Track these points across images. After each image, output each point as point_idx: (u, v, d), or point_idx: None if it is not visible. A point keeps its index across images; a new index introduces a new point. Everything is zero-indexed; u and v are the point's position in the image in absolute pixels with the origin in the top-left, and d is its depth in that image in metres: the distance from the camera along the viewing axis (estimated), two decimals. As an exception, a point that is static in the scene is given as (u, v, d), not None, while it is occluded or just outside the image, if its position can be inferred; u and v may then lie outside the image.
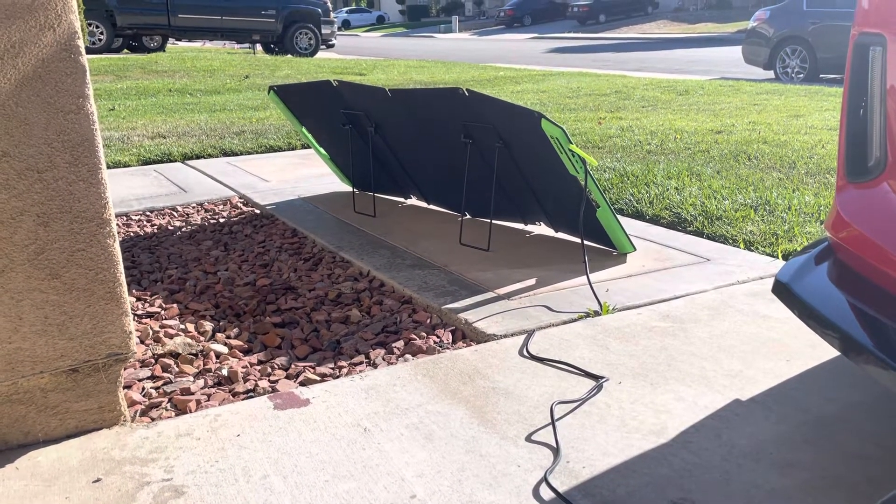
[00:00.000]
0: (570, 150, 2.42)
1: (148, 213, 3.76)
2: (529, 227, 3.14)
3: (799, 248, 2.73)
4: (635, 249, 2.75)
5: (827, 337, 1.35)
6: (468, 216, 3.29)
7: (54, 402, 1.55)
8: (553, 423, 1.59)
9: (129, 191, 4.17)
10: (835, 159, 4.17)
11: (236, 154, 5.26)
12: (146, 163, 5.00)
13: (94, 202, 1.48)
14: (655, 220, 3.24)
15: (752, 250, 2.80)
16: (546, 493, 1.36)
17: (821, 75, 10.20)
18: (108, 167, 4.79)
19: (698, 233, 3.04)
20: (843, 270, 1.50)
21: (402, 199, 3.72)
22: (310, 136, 3.82)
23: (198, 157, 5.16)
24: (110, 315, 1.55)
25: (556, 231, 3.02)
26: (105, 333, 1.55)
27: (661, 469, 1.44)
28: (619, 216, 3.31)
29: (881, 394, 1.70)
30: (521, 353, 1.95)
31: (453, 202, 3.33)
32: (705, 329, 2.09)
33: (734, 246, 2.85)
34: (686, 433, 1.56)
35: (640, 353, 1.94)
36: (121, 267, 1.55)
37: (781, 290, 1.54)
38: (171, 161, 5.07)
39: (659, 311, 2.23)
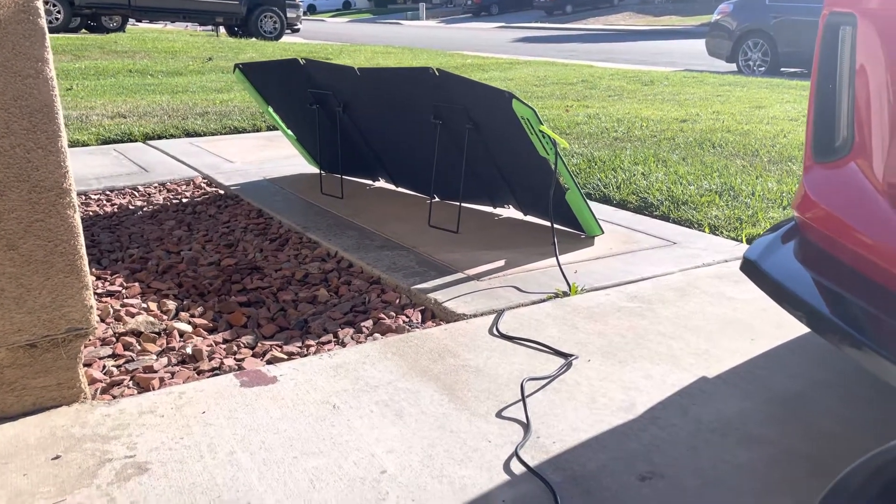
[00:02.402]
0: (541, 132, 2.42)
1: (108, 193, 3.66)
2: (499, 211, 3.13)
3: (762, 233, 2.77)
4: (603, 232, 2.76)
5: (794, 313, 1.37)
6: (437, 199, 3.27)
7: (11, 378, 1.50)
8: (523, 399, 1.59)
9: (88, 169, 4.06)
10: (796, 149, 4.25)
11: (199, 135, 5.16)
12: (106, 142, 4.88)
13: (54, 171, 1.43)
14: (622, 205, 3.26)
15: (717, 234, 2.83)
16: (517, 468, 1.36)
17: (782, 69, 10.37)
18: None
19: (664, 217, 3.07)
20: (810, 249, 1.52)
21: (370, 182, 3.69)
22: (276, 116, 3.75)
23: (159, 138, 5.04)
24: (70, 288, 1.50)
25: (525, 214, 3.02)
26: (64, 307, 1.51)
27: (629, 444, 1.45)
28: (588, 200, 3.33)
29: (843, 372, 1.73)
30: (491, 332, 1.95)
31: (422, 185, 3.31)
32: (672, 309, 2.11)
33: (699, 230, 2.89)
34: (654, 409, 1.58)
35: (609, 332, 1.95)
36: (81, 239, 1.50)
37: (750, 267, 1.55)
38: (131, 141, 4.95)
39: (627, 292, 2.24)
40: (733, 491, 1.31)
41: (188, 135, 5.14)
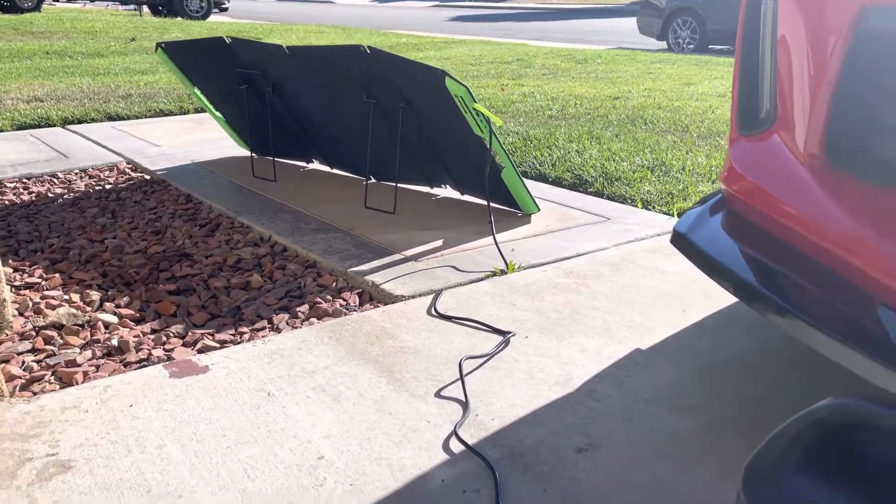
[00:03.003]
0: (475, 110, 2.40)
1: (25, 181, 3.49)
2: (436, 191, 3.11)
3: (691, 206, 2.83)
4: (539, 210, 2.77)
5: (722, 283, 1.39)
6: (373, 180, 3.23)
7: (-81, 379, 1.41)
8: (462, 377, 1.58)
9: (2, 156, 3.86)
10: (724, 124, 4.35)
11: (123, 118, 4.96)
12: (21, 127, 4.64)
13: (-43, 157, 1.34)
14: (558, 182, 3.28)
15: (650, 209, 2.88)
16: (456, 446, 1.36)
17: (710, 46, 10.61)
18: (-21, 132, 4.42)
19: (599, 193, 3.10)
20: (737, 220, 1.56)
21: (303, 164, 3.61)
22: (203, 97, 3.63)
23: (80, 122, 4.83)
24: (-19, 281, 1.41)
25: (462, 194, 3.01)
26: (-24, 301, 1.42)
27: (566, 418, 1.46)
28: (524, 178, 3.34)
29: (768, 339, 1.79)
30: (429, 313, 1.93)
31: (357, 166, 3.26)
32: (607, 284, 2.13)
33: (633, 206, 2.93)
34: (590, 382, 1.59)
35: (546, 308, 1.96)
36: (-9, 228, 1.41)
37: (679, 240, 1.58)
38: (49, 126, 4.73)
39: (563, 268, 2.26)
40: (666, 459, 1.33)
41: (111, 118, 4.94)
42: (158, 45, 3.40)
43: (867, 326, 1.11)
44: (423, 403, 1.50)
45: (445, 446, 1.36)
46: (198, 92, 3.61)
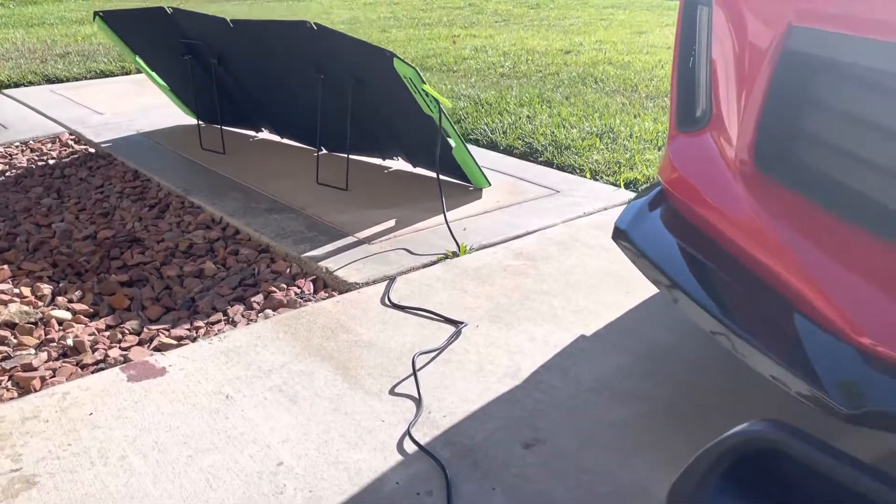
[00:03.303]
0: (424, 91, 2.40)
1: (-37, 156, 3.38)
2: (388, 163, 3.12)
3: (639, 178, 2.91)
4: (490, 184, 2.82)
5: (657, 285, 1.47)
6: (324, 151, 3.22)
7: None
8: (415, 373, 1.65)
9: (-63, 128, 3.72)
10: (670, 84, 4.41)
11: (62, 81, 4.80)
12: (-45, 93, 4.46)
13: None
14: (509, 151, 3.32)
15: (598, 180, 2.94)
16: (410, 447, 1.43)
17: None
18: None
19: (549, 163, 3.15)
20: (673, 217, 1.62)
21: (253, 133, 3.57)
22: (145, 66, 3.53)
23: (16, 86, 4.66)
24: (-70, 300, 1.41)
25: (415, 167, 3.02)
26: (-74, 320, 1.42)
27: (514, 411, 1.54)
28: (475, 147, 3.37)
29: (707, 321, 1.88)
30: (382, 302, 1.98)
31: (308, 137, 3.24)
32: (554, 265, 2.20)
33: (581, 176, 2.99)
34: (537, 373, 1.67)
35: (496, 294, 2.03)
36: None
37: (620, 235, 1.64)
38: (-16, 90, 4.55)
39: (513, 248, 2.32)
40: (608, 449, 1.42)
41: (49, 81, 4.77)
42: (96, 13, 3.28)
43: (782, 333, 1.19)
44: (377, 401, 1.57)
45: (399, 447, 1.43)
46: (139, 60, 3.51)
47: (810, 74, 1.28)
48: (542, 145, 3.28)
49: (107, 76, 4.93)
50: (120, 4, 7.30)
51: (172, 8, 3.01)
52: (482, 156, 3.22)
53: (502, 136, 3.44)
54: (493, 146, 3.39)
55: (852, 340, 1.09)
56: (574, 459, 1.40)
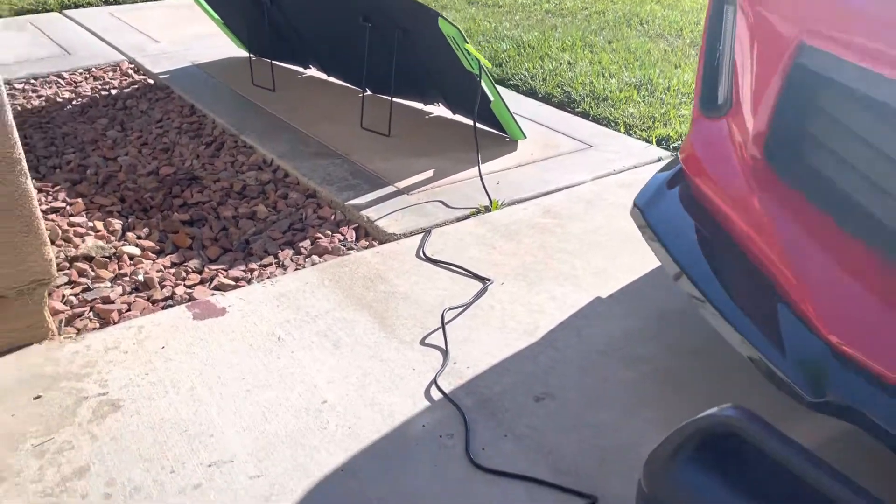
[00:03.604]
0: (466, 50, 2.51)
1: (32, 82, 3.59)
2: (429, 108, 3.25)
3: (672, 134, 3.00)
4: (525, 137, 2.94)
5: (666, 267, 1.62)
6: (369, 92, 3.35)
7: (-16, 326, 1.67)
8: (444, 327, 1.85)
9: (7, 51, 3.93)
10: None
11: (119, 2, 4.93)
12: (20, 13, 4.64)
13: (3, 143, 1.52)
14: (547, 99, 3.41)
15: (631, 135, 3.04)
16: (436, 394, 1.64)
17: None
18: (-23, 18, 4.43)
19: (585, 114, 3.24)
20: (688, 197, 1.76)
21: (301, 70, 3.71)
22: (203, 2, 3.66)
23: (76, 6, 4.81)
24: (29, 246, 1.64)
25: (454, 113, 3.15)
26: (26, 262, 1.65)
27: (529, 367, 1.74)
28: (514, 94, 3.46)
29: (715, 289, 2.04)
30: (418, 255, 2.17)
31: (354, 77, 3.37)
32: (580, 225, 2.35)
33: (616, 130, 3.09)
34: (553, 332, 1.86)
35: (522, 251, 2.20)
36: (35, 202, 1.62)
37: (636, 213, 1.78)
38: (47, 10, 4.72)
39: (542, 205, 2.47)
40: (611, 407, 1.62)
41: (107, 3, 4.91)
42: (155, -52, 3.39)
43: (764, 321, 1.36)
44: (410, 350, 1.78)
45: (427, 393, 1.64)
46: (196, -6, 3.63)
47: (815, 88, 1.39)
48: (579, 95, 3.36)
49: (161, -2, 5.06)
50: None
51: (228, -52, 3.11)
52: (520, 104, 3.32)
53: (542, 83, 3.52)
54: (532, 93, 3.48)
55: (823, 337, 1.25)
56: (579, 414, 1.60)
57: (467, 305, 1.94)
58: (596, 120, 3.19)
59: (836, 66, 1.27)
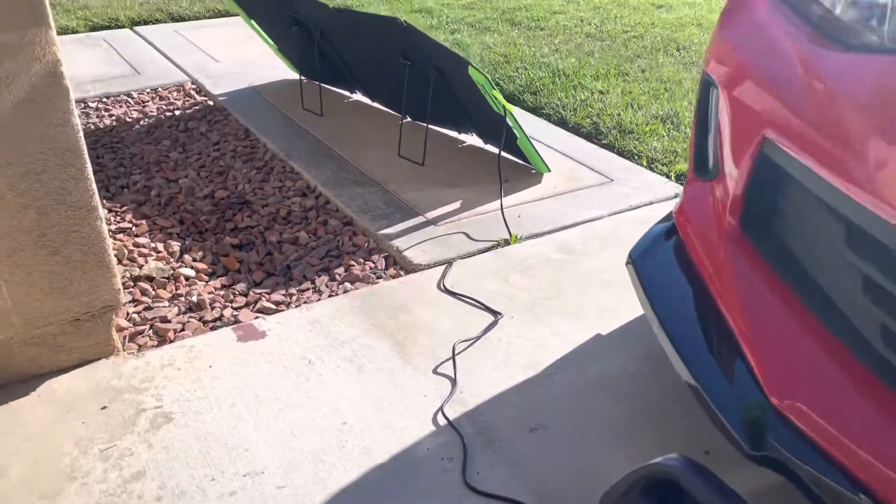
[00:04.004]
0: (493, 96, 2.73)
1: (104, 100, 3.94)
2: (463, 137, 3.47)
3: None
4: (550, 170, 3.14)
5: (652, 321, 1.81)
6: (408, 119, 3.59)
7: (62, 343, 1.97)
8: (454, 358, 2.08)
9: (83, 68, 4.29)
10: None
11: (184, 19, 5.28)
12: (94, 28, 5.02)
13: (83, 194, 1.81)
14: (576, 130, 3.59)
15: (653, 169, 3.21)
16: (441, 420, 1.87)
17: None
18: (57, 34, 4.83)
19: (611, 146, 3.42)
20: (677, 252, 1.95)
21: (348, 94, 3.97)
22: (260, 30, 3.95)
23: (145, 23, 5.17)
24: (101, 278, 1.93)
25: (485, 143, 3.36)
26: (98, 291, 1.94)
27: (529, 399, 1.95)
28: (545, 122, 3.66)
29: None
30: (438, 287, 2.40)
31: (394, 104, 3.61)
32: (592, 261, 2.55)
33: (638, 163, 3.26)
34: (553, 366, 2.07)
35: (534, 286, 2.41)
36: (107, 241, 1.91)
37: (630, 265, 1.98)
38: (119, 26, 5.09)
39: (558, 240, 2.67)
40: (596, 439, 1.83)
41: (173, 19, 5.26)
42: (218, -17, 3.69)
43: (722, 379, 1.54)
44: (423, 378, 2.02)
45: (434, 419, 1.88)
46: (253, 23, 3.93)
47: (777, 176, 1.56)
48: (607, 127, 3.54)
49: (222, 15, 5.38)
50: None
51: (284, -13, 3.38)
52: (550, 134, 3.51)
53: (572, 112, 3.71)
54: (562, 123, 3.67)
55: (767, 397, 1.43)
56: (568, 444, 1.81)
57: (477, 338, 2.17)
58: (620, 153, 3.36)
59: (792, 163, 1.45)
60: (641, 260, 1.97)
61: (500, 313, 2.28)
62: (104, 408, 1.90)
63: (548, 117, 3.74)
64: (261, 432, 1.83)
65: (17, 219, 1.76)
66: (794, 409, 1.39)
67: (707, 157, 1.92)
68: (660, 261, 1.96)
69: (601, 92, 3.93)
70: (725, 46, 1.75)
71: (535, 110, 3.83)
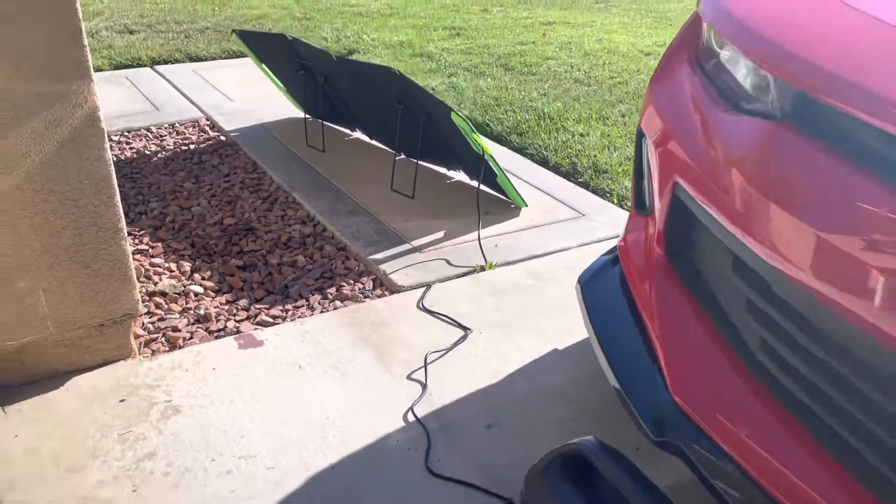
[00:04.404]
0: (473, 139, 3.07)
1: (126, 134, 4.31)
2: (451, 173, 3.80)
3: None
4: (527, 205, 3.46)
5: (590, 335, 2.11)
6: (402, 156, 3.94)
7: (88, 345, 2.29)
8: (426, 366, 2.38)
9: (107, 105, 4.67)
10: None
11: (201, 59, 5.69)
12: (118, 67, 5.43)
13: (112, 217, 2.14)
14: (556, 169, 3.92)
15: (623, 206, 3.53)
16: (411, 417, 2.17)
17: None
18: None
19: (586, 185, 3.74)
20: (618, 280, 2.25)
21: (348, 132, 4.33)
22: (269, 72, 4.33)
23: (165, 62, 5.58)
24: (123, 290, 2.25)
25: (471, 179, 3.70)
26: (120, 301, 2.27)
27: (488, 401, 2.25)
28: (528, 161, 4.00)
29: (654, 349, 2.51)
30: (418, 306, 2.71)
31: (390, 142, 3.96)
32: (558, 288, 2.86)
33: (609, 200, 3.58)
34: (513, 375, 2.37)
35: (504, 307, 2.72)
36: (130, 259, 2.24)
37: (579, 289, 2.28)
38: (140, 65, 5.50)
39: (529, 268, 2.98)
40: (542, 436, 2.11)
41: (191, 59, 5.67)
42: (234, 31, 4.08)
43: (642, 383, 1.84)
44: (398, 383, 2.32)
45: (405, 417, 2.17)
46: (265, 67, 4.31)
47: (687, 217, 1.87)
48: (584, 167, 3.87)
49: (237, 56, 5.79)
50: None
51: (293, 36, 3.75)
52: (532, 172, 3.85)
53: (553, 153, 4.04)
54: (543, 162, 4.00)
55: (671, 395, 1.73)
56: (517, 440, 2.10)
57: (448, 350, 2.47)
58: (594, 190, 3.68)
59: (693, 203, 1.76)
60: (587, 283, 2.28)
61: (470, 329, 2.58)
62: (122, 401, 2.21)
63: (531, 157, 4.07)
64: (255, 423, 2.13)
65: (57, 237, 2.09)
66: (690, 404, 1.69)
67: (644, 196, 2.24)
68: (602, 284, 2.27)
69: (581, 134, 4.27)
70: (652, 105, 2.08)
71: (520, 150, 4.17)
